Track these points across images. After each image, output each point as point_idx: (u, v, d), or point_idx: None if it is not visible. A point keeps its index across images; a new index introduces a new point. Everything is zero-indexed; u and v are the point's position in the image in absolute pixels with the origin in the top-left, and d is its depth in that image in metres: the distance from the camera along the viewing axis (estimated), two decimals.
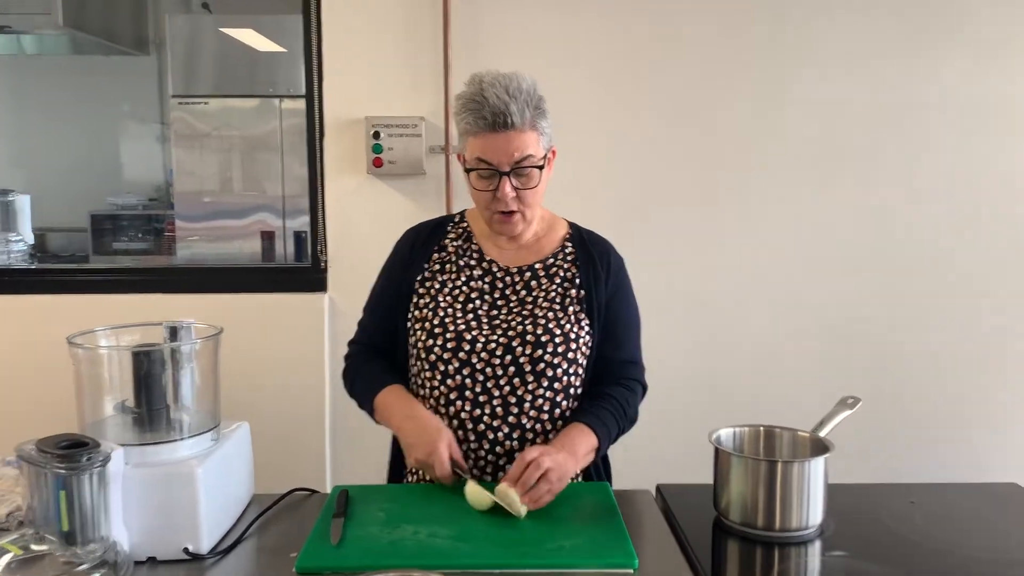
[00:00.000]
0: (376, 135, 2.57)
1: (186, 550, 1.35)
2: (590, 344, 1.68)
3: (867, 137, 2.72)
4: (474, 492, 1.49)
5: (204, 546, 1.37)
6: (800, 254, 2.77)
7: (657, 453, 2.81)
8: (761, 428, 1.60)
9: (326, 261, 2.68)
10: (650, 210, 2.74)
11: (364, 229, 2.64)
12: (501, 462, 1.65)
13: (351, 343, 1.85)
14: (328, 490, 1.65)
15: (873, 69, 2.70)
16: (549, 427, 1.65)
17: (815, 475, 1.44)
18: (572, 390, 1.67)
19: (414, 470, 1.75)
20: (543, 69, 2.54)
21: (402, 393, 1.70)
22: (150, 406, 1.41)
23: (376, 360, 1.79)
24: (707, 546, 1.46)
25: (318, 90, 2.62)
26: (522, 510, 1.44)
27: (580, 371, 1.67)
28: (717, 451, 1.52)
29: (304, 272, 2.72)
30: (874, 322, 2.79)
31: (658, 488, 1.68)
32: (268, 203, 4.80)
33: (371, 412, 1.74)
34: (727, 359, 2.80)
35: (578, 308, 1.67)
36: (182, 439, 1.41)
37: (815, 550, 1.44)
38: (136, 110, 5.61)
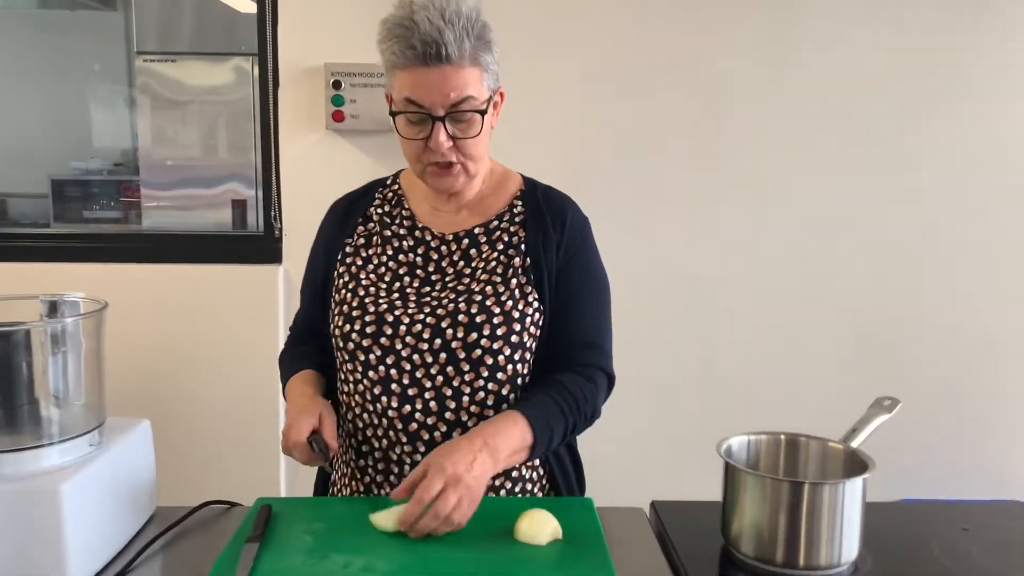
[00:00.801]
0: (336, 85, 2.26)
1: None
2: (541, 323, 1.38)
3: (889, 102, 2.41)
4: (377, 519, 1.22)
5: None
6: (815, 236, 2.46)
7: (649, 462, 2.56)
8: (782, 437, 1.30)
9: (280, 229, 2.37)
10: (646, 180, 2.42)
11: (323, 193, 2.30)
12: None
13: (288, 338, 1.60)
14: (252, 503, 1.35)
15: (904, 23, 2.39)
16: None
17: (851, 500, 1.14)
18: (520, 380, 1.37)
19: (337, 481, 1.48)
20: (525, 10, 2.27)
21: (305, 378, 1.43)
22: (7, 402, 1.11)
23: (305, 346, 1.52)
24: None
25: (272, 32, 2.30)
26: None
27: (529, 356, 1.38)
28: (727, 466, 1.22)
29: (256, 241, 2.42)
30: (899, 314, 2.49)
31: (653, 506, 1.39)
32: (240, 171, 4.49)
33: None
34: (732, 353, 2.51)
35: (524, 280, 1.37)
36: (50, 444, 1.11)
37: None
38: (103, 70, 5.26)
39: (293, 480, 2.47)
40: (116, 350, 2.35)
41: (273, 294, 2.35)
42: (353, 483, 1.44)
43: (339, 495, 1.47)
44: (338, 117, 2.27)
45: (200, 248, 2.43)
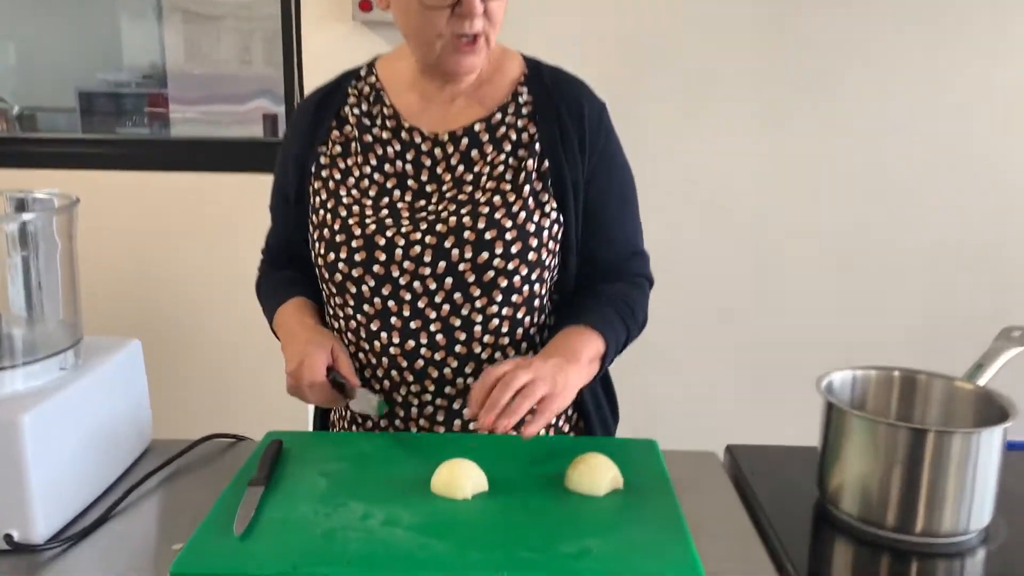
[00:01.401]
0: None
1: (8, 538, 0.89)
2: (559, 236, 1.17)
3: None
4: (447, 476, 1.00)
5: (38, 532, 0.90)
6: (897, 153, 2.19)
7: (719, 401, 2.35)
8: (895, 373, 1.07)
9: None
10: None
11: None
12: (457, 406, 1.18)
13: (261, 261, 1.38)
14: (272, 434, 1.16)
15: None
16: (512, 354, 1.18)
17: (987, 454, 0.92)
18: (538, 301, 1.17)
19: (336, 423, 1.29)
20: None
21: (299, 306, 1.24)
22: None
23: (280, 271, 1.31)
24: (803, 545, 0.97)
25: None
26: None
27: (547, 275, 1.17)
28: (829, 407, 1.00)
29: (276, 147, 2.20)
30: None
31: (728, 451, 1.18)
32: (272, 87, 4.27)
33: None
34: (803, 272, 2.26)
35: (539, 187, 1.15)
36: (12, 367, 0.92)
37: (976, 567, 0.94)
38: None
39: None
40: (126, 263, 2.22)
41: None
42: (354, 428, 1.26)
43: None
44: (365, 7, 2.03)
45: (216, 155, 2.24)
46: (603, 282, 1.20)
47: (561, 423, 1.24)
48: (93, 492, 1.02)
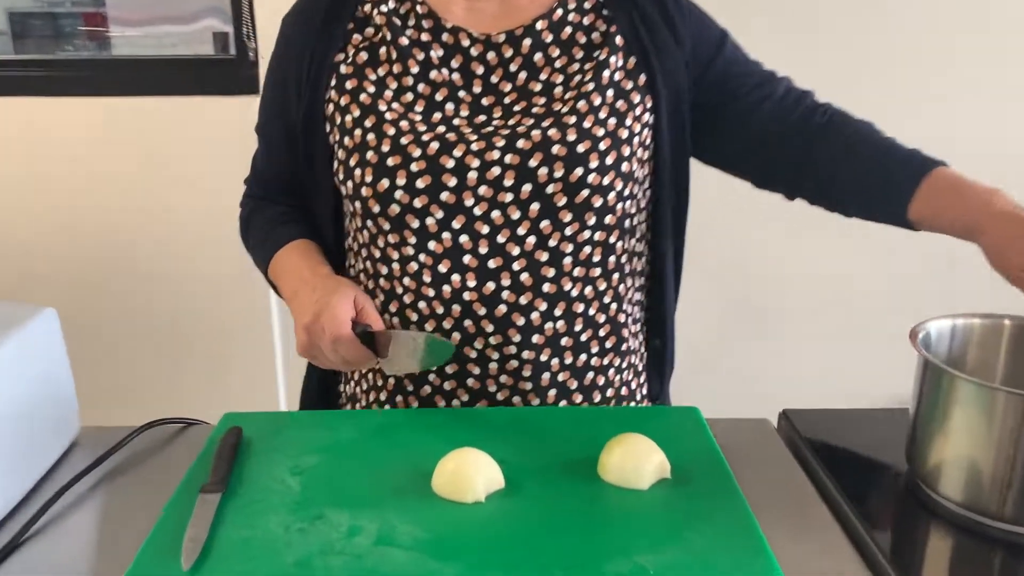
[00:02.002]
0: None
1: None
2: (648, 143, 0.97)
3: None
4: (452, 474, 0.79)
5: None
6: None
7: (763, 357, 2.17)
8: (1005, 322, 0.87)
9: (256, 50, 1.88)
10: None
11: None
12: (544, 357, 0.97)
13: (245, 194, 1.14)
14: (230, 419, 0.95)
15: None
16: (603, 287, 0.98)
17: None
18: (628, 222, 0.99)
19: (360, 397, 1.06)
20: None
21: (306, 250, 1.02)
22: None
23: (273, 207, 1.09)
24: (890, 533, 0.79)
25: None
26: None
27: (637, 190, 0.98)
28: (927, 366, 0.80)
29: (225, 67, 1.93)
30: None
31: (785, 416, 0.99)
32: (219, 4, 3.93)
33: (276, 291, 1.06)
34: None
35: (629, 86, 0.96)
36: None
37: None
38: None
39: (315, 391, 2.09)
40: (60, 206, 1.96)
41: (247, 131, 1.88)
42: (393, 402, 1.02)
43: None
44: None
45: (153, 76, 1.96)
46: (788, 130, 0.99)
47: (631, 378, 1.06)
48: (3, 504, 0.80)
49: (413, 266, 0.95)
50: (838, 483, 0.83)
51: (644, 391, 1.08)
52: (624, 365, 1.03)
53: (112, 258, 1.96)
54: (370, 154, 0.93)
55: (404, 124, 0.94)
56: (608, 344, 1.00)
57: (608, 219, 0.95)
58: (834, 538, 0.78)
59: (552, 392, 0.98)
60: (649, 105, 0.96)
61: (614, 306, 1.00)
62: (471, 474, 0.78)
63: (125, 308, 1.99)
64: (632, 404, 1.06)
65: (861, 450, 0.91)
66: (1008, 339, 0.87)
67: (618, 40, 0.96)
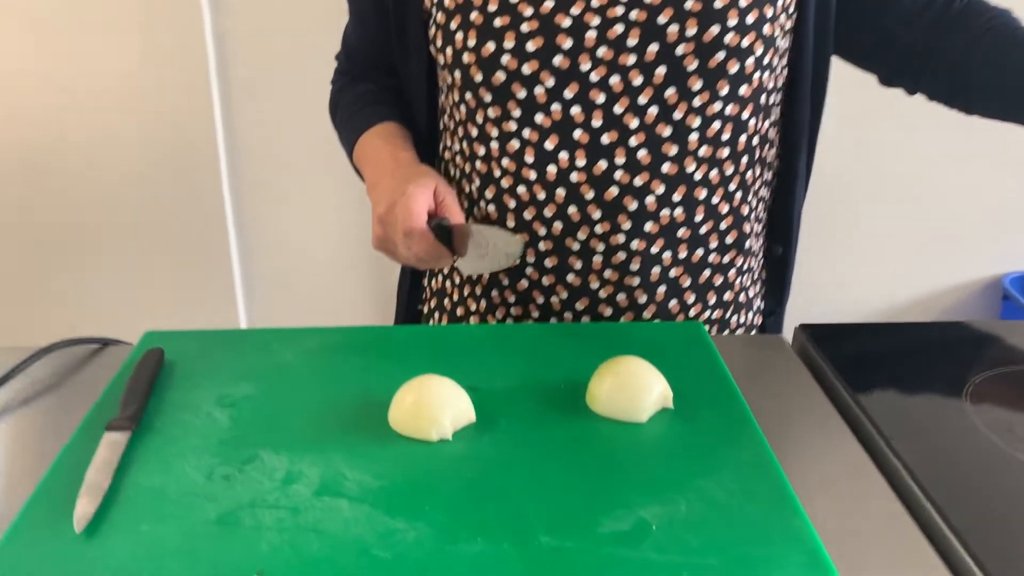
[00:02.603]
0: None
1: None
2: (792, 10, 0.84)
3: None
4: (412, 407, 0.65)
5: None
6: None
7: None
8: None
9: None
10: None
11: None
12: (656, 249, 0.85)
13: (336, 70, 1.04)
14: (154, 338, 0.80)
15: None
16: (730, 172, 0.86)
17: None
18: (764, 98, 0.85)
19: (432, 301, 0.98)
20: None
21: (391, 134, 0.91)
22: None
23: (363, 85, 0.98)
24: (940, 466, 0.66)
25: None
26: None
27: (777, 62, 0.85)
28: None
29: None
30: None
31: (804, 331, 0.85)
32: None
33: (360, 176, 0.94)
34: None
35: None
36: None
37: None
38: None
39: (267, 301, 1.92)
40: None
41: (195, 11, 1.67)
42: (489, 297, 0.91)
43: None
44: None
45: None
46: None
47: (745, 299, 0.95)
48: None
49: (515, 144, 0.83)
50: (869, 412, 0.71)
51: (760, 305, 0.96)
52: (744, 267, 0.91)
53: (25, 148, 1.76)
54: (474, 14, 0.80)
55: None
56: (728, 240, 0.88)
57: (743, 90, 0.81)
58: (869, 481, 0.65)
59: (662, 289, 0.86)
60: None
61: (739, 195, 0.87)
62: (435, 406, 0.64)
63: (47, 206, 1.80)
64: (748, 316, 0.95)
65: (896, 371, 0.78)
66: None
67: None
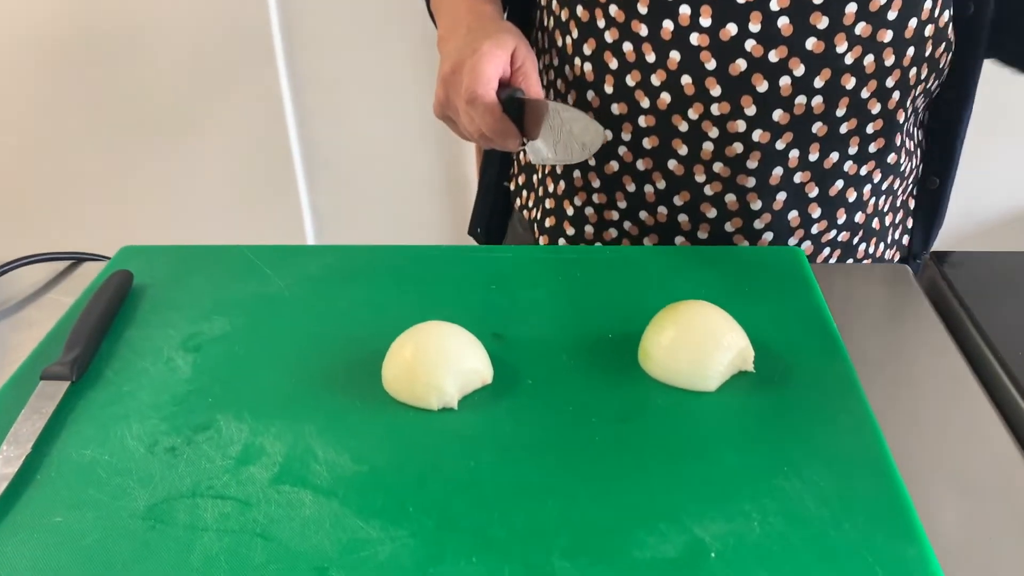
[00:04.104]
0: None
1: None
2: None
3: None
4: (407, 367, 0.50)
5: None
6: None
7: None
8: None
9: None
10: None
11: None
12: (782, 145, 0.69)
13: None
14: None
15: None
16: (890, 63, 0.67)
17: None
18: (917, 71, 0.68)
19: (520, 177, 0.85)
20: None
21: None
22: None
23: None
24: None
25: None
26: None
27: (941, 20, 0.67)
28: None
29: None
30: None
31: (935, 260, 0.66)
32: None
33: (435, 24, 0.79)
34: None
35: None
36: None
37: None
38: None
39: (330, 209, 1.77)
40: None
41: None
42: (559, 184, 0.77)
43: (533, 225, 0.82)
44: None
45: None
46: None
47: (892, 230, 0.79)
48: None
49: (605, 50, 0.68)
50: (1018, 377, 0.53)
51: (905, 242, 0.79)
52: (885, 186, 0.74)
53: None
54: None
55: None
56: (873, 148, 0.71)
57: (888, 36, 0.64)
58: (1010, 471, 0.48)
59: (781, 196, 0.70)
60: None
61: (896, 96, 0.69)
62: (438, 365, 0.49)
63: (90, 103, 1.68)
64: (879, 248, 0.78)
65: None
66: None
67: None
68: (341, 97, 1.65)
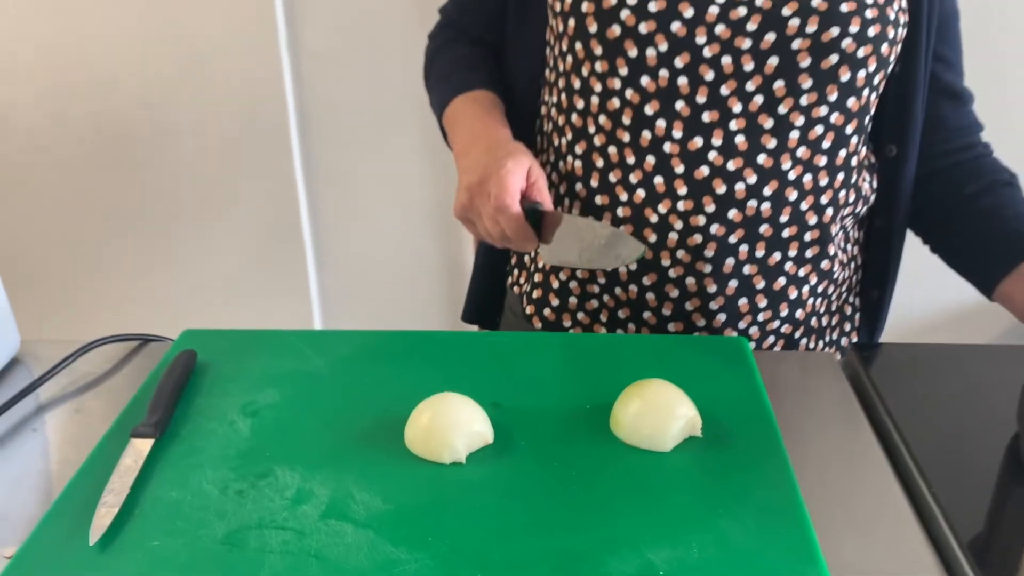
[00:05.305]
0: None
1: None
2: (899, 45, 0.83)
3: None
4: (427, 428, 0.64)
5: None
6: None
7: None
8: None
9: None
10: None
11: None
12: (735, 239, 0.83)
13: (438, 23, 1.04)
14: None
15: None
16: (824, 182, 0.83)
17: None
18: (867, 119, 0.84)
19: (514, 257, 0.99)
20: None
21: (486, 102, 0.91)
22: None
23: (463, 47, 0.98)
24: (978, 516, 0.62)
25: None
26: None
27: (881, 85, 0.84)
28: None
29: None
30: None
31: (854, 350, 0.80)
32: None
33: (445, 139, 0.96)
34: None
35: None
36: None
37: None
38: None
39: (347, 298, 1.95)
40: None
41: None
42: (561, 275, 0.91)
43: (531, 316, 0.96)
44: None
45: None
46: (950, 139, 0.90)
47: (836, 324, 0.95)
48: None
49: (615, 102, 0.81)
50: (912, 448, 0.66)
51: (836, 339, 0.94)
52: (820, 290, 0.88)
53: (100, 126, 1.80)
54: None
55: None
56: (809, 253, 0.85)
57: (851, 103, 0.80)
58: (903, 526, 0.61)
59: (733, 284, 0.84)
60: (906, 18, 0.82)
61: (829, 212, 0.84)
62: (449, 429, 0.63)
63: (121, 200, 1.84)
64: (818, 345, 0.92)
65: (950, 402, 0.73)
66: None
67: None
68: (351, 190, 1.81)
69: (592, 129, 0.84)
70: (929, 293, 1.76)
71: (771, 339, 0.87)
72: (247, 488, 0.61)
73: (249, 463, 0.64)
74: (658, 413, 0.64)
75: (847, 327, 0.94)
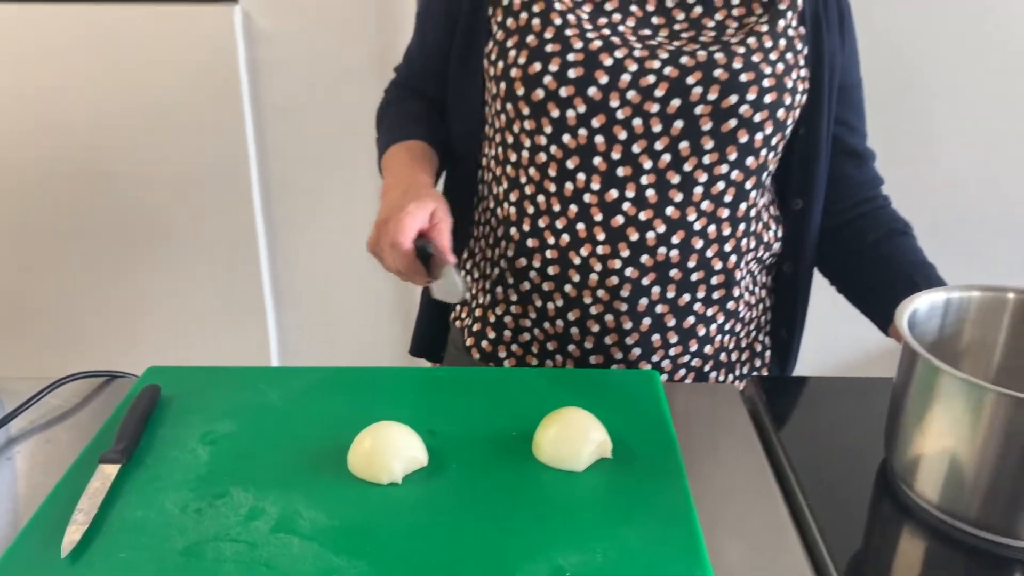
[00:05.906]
0: None
1: None
2: (799, 110, 0.94)
3: None
4: (368, 452, 0.72)
5: None
6: None
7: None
8: (1010, 296, 0.77)
9: None
10: None
11: None
12: (648, 281, 0.92)
13: (392, 81, 1.13)
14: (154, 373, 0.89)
15: None
16: (727, 233, 0.94)
17: None
18: (765, 174, 0.95)
19: (466, 329, 1.06)
20: None
21: (415, 151, 1.00)
22: None
23: (412, 102, 1.07)
24: (854, 538, 0.71)
25: None
26: None
27: (782, 147, 0.95)
28: (909, 355, 0.71)
29: None
30: None
31: (756, 384, 0.90)
32: None
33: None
34: None
35: (799, 45, 0.93)
36: None
37: None
38: None
39: (302, 332, 2.04)
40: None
41: (230, 42, 1.77)
42: (494, 293, 1.01)
43: (471, 348, 1.04)
44: None
45: None
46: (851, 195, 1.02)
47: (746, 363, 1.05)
48: None
49: (542, 157, 0.92)
50: (798, 470, 0.75)
51: (745, 373, 1.03)
52: (729, 328, 0.98)
53: (82, 181, 1.87)
54: (531, 38, 0.90)
55: (571, 18, 0.91)
56: (716, 295, 0.95)
57: (749, 161, 0.90)
58: (784, 539, 0.70)
59: (647, 321, 0.93)
60: (804, 70, 0.92)
61: (733, 259, 0.94)
62: (387, 453, 0.71)
63: (87, 245, 1.91)
64: (728, 379, 1.01)
65: (835, 430, 0.83)
66: (1011, 315, 0.76)
67: (800, 1, 0.93)
68: (307, 233, 1.90)
69: (524, 180, 0.94)
70: (854, 331, 1.87)
71: (683, 372, 0.96)
72: (205, 507, 0.68)
73: (207, 485, 0.71)
74: (573, 437, 0.73)
75: (757, 363, 1.04)
